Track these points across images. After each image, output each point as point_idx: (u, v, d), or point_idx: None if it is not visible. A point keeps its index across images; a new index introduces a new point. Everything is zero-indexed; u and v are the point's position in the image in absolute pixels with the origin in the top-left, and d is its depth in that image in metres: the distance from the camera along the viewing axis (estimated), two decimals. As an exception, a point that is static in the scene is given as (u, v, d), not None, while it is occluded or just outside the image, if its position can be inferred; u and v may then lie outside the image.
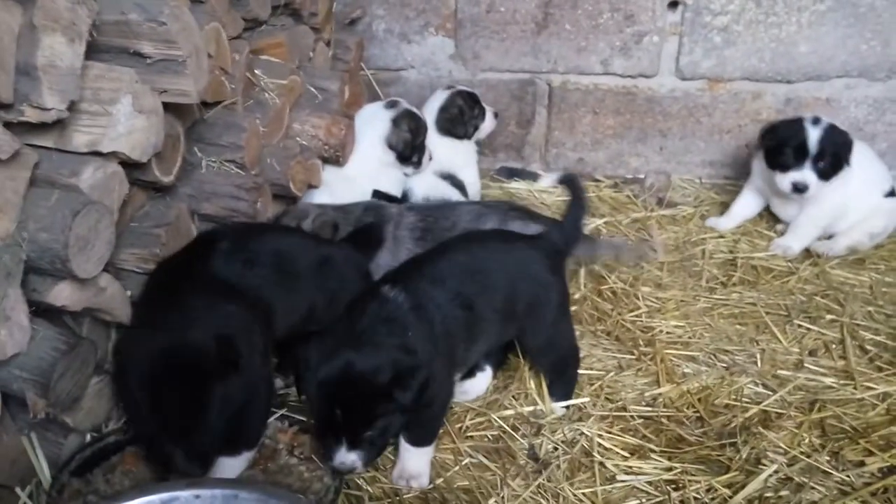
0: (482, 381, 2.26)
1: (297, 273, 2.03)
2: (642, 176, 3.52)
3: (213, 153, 2.30)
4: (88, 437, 1.82)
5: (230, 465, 1.78)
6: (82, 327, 1.82)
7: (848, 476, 1.95)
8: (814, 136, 2.79)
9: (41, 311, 1.67)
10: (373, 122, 2.92)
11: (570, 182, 2.28)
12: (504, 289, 2.00)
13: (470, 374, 2.22)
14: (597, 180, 3.56)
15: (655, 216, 3.25)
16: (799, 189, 2.80)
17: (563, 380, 2.21)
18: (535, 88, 3.50)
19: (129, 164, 1.82)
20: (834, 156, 2.81)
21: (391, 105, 2.99)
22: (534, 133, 3.59)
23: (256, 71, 2.55)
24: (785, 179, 2.83)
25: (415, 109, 3.01)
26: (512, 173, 3.63)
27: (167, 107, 1.91)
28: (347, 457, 1.71)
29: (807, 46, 3.22)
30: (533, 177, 3.61)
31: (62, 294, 1.65)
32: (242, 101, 2.45)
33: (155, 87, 1.83)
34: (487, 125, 3.29)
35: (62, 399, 1.64)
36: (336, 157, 2.80)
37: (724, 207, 3.28)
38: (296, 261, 2.06)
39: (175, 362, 1.61)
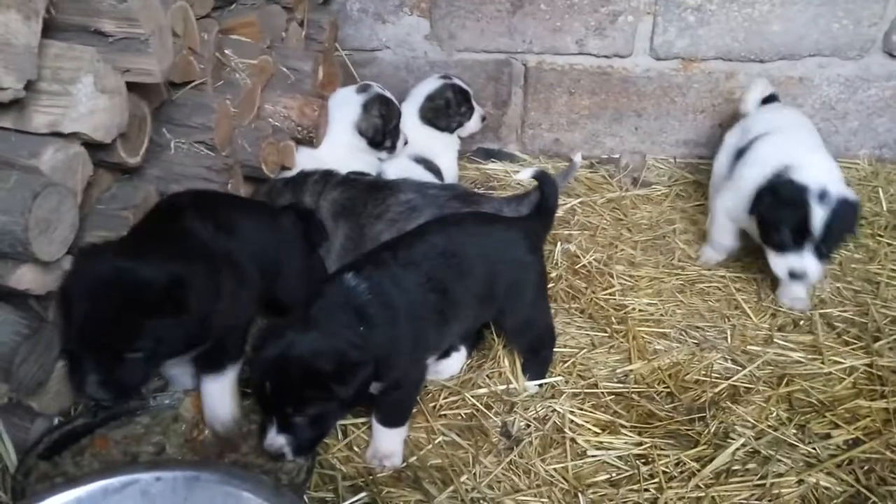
0: (456, 360, 2.27)
1: (257, 239, 2.01)
2: (617, 156, 3.53)
3: (183, 134, 2.26)
4: (56, 421, 1.80)
5: (214, 390, 1.78)
6: (48, 311, 1.79)
7: (814, 448, 1.99)
8: (819, 216, 2.27)
9: (4, 294, 1.65)
10: (343, 107, 2.88)
11: (541, 178, 2.27)
12: (482, 273, 1.99)
13: (445, 353, 2.23)
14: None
15: (630, 196, 3.26)
16: (797, 277, 2.35)
17: (538, 359, 2.23)
18: (510, 69, 3.49)
19: (92, 145, 1.79)
20: (840, 236, 2.37)
21: (363, 89, 2.95)
22: (510, 114, 3.58)
23: (226, 51, 2.51)
24: (780, 262, 2.36)
25: (387, 94, 2.97)
26: (489, 154, 3.63)
27: (132, 87, 1.88)
28: (276, 439, 1.68)
29: (779, 25, 3.23)
30: (510, 158, 3.61)
31: (25, 277, 1.63)
32: (212, 81, 2.40)
33: (117, 67, 1.80)
34: (472, 125, 3.24)
35: (26, 383, 1.62)
36: (310, 139, 2.77)
37: (697, 186, 3.30)
38: (257, 227, 2.05)
39: (120, 284, 1.57)
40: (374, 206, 2.40)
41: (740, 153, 2.66)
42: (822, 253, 2.31)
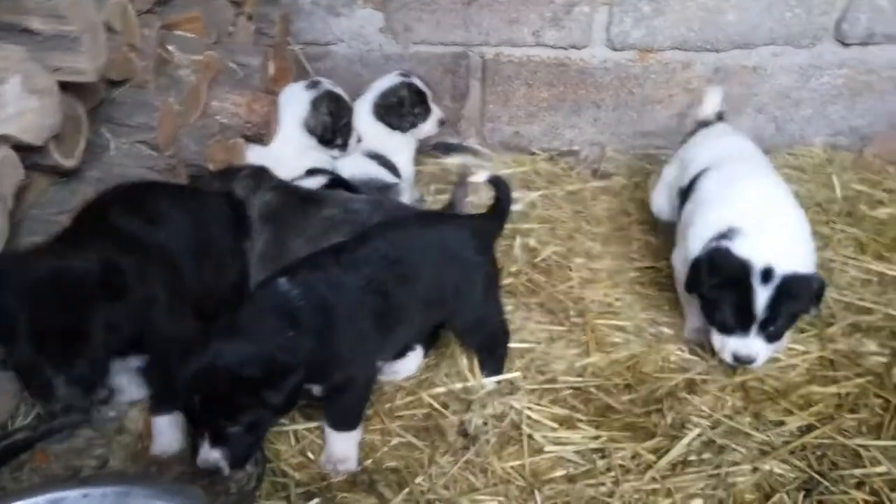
0: (412, 360, 2.24)
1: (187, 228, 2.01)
2: (577, 148, 3.52)
3: (124, 134, 2.20)
4: (-8, 437, 1.74)
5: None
6: (-21, 321, 1.72)
7: (768, 436, 2.01)
8: (762, 297, 1.99)
9: (-71, 306, 1.57)
10: (292, 104, 2.81)
11: (496, 183, 2.23)
12: (428, 276, 1.95)
13: (400, 353, 2.20)
14: (533, 153, 3.54)
15: (590, 187, 3.26)
16: (742, 362, 2.10)
17: (493, 357, 2.21)
18: (468, 62, 3.45)
19: (24, 148, 1.72)
20: (791, 316, 2.07)
21: (312, 85, 2.89)
22: (469, 107, 3.54)
23: (169, 47, 2.45)
24: (724, 345, 2.09)
25: (337, 90, 2.90)
26: (448, 149, 3.59)
27: (66, 86, 1.82)
28: (210, 454, 1.61)
29: (734, 15, 3.24)
30: (472, 152, 3.58)
31: (-50, 287, 1.55)
32: (154, 78, 2.34)
33: (47, 66, 1.73)
34: (428, 128, 3.12)
35: (-47, 398, 1.55)
36: (260, 136, 2.71)
37: (655, 177, 3.31)
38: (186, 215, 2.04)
39: (59, 284, 1.55)
40: (299, 218, 2.31)
41: (683, 194, 2.38)
42: (773, 334, 2.06)
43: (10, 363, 1.62)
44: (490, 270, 2.13)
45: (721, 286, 2.02)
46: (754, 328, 2.03)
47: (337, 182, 2.68)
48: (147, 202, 1.95)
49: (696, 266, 2.07)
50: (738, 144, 2.57)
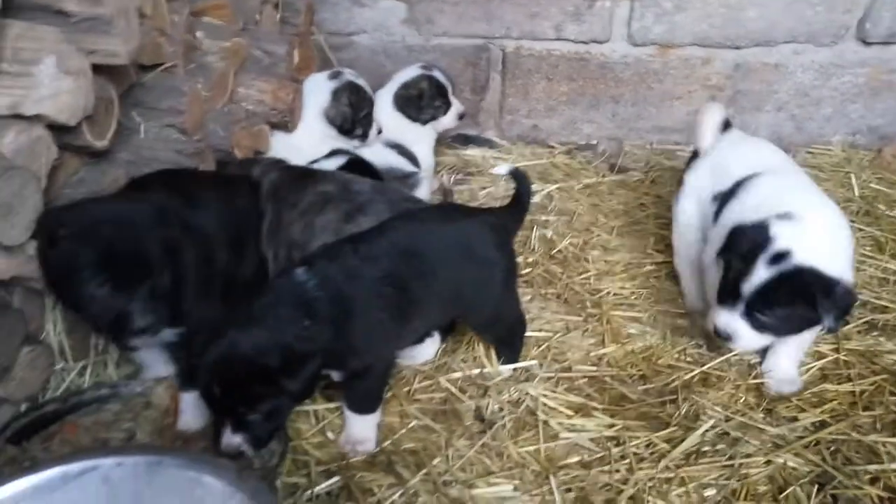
0: (430, 346, 2.26)
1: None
2: (595, 142, 3.53)
3: (153, 118, 2.23)
4: (23, 408, 1.78)
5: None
6: (14, 296, 1.77)
7: (781, 430, 2.01)
8: (759, 276, 1.94)
9: (-34, 279, 1.62)
10: (315, 93, 2.84)
11: (517, 176, 2.22)
12: (444, 272, 1.95)
13: (419, 339, 2.23)
14: (550, 147, 3.56)
15: (607, 181, 3.27)
16: (720, 336, 2.04)
17: (510, 347, 2.23)
18: (489, 54, 3.47)
19: (57, 128, 1.76)
20: (793, 313, 1.98)
21: (334, 76, 2.91)
22: (488, 100, 3.57)
23: (198, 33, 2.48)
24: (712, 314, 2.07)
25: (360, 81, 2.92)
26: (467, 140, 3.61)
27: (99, 69, 1.85)
28: (233, 439, 1.64)
29: (755, 11, 3.25)
30: (489, 144, 3.61)
31: (-13, 262, 1.60)
32: (183, 64, 2.37)
33: (81, 48, 1.76)
34: (447, 121, 3.14)
35: (-10, 369, 1.60)
36: (284, 123, 2.75)
37: (673, 172, 3.31)
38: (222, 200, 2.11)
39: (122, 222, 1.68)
40: (294, 193, 2.29)
41: (723, 198, 2.26)
42: (761, 324, 1.98)
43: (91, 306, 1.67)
44: (508, 266, 2.11)
45: (738, 255, 1.99)
46: (740, 305, 1.97)
47: (356, 163, 2.70)
48: (187, 185, 2.01)
49: (734, 232, 2.04)
50: (778, 155, 2.46)
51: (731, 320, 2.00)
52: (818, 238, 2.00)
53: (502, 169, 2.30)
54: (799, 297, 1.94)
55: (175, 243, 1.74)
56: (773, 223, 1.98)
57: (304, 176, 2.38)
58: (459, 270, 1.98)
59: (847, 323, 2.36)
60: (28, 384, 1.77)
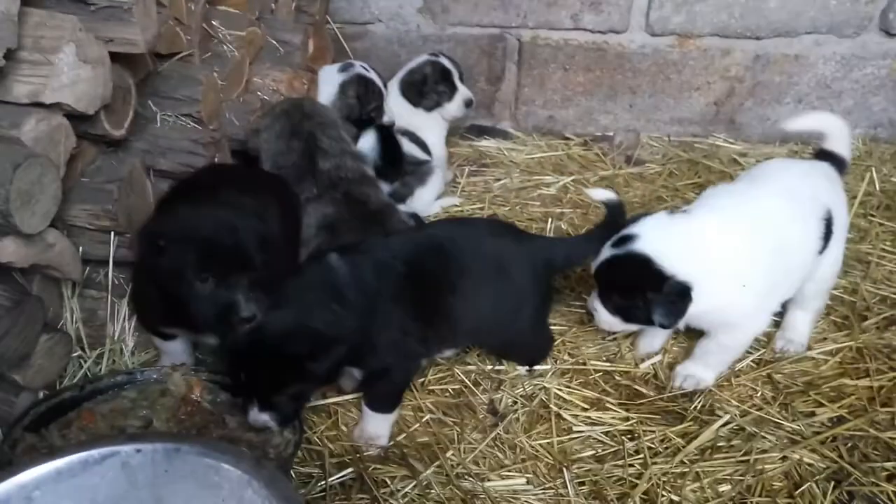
0: None
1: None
2: (611, 133, 3.50)
3: (169, 107, 2.23)
4: (42, 395, 1.80)
5: None
6: (32, 284, 1.78)
7: (798, 426, 2.00)
8: (602, 256, 2.00)
9: (-14, 267, 1.63)
10: (326, 85, 2.85)
11: (612, 207, 2.10)
12: (473, 285, 1.92)
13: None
14: (567, 138, 3.54)
15: (623, 174, 3.25)
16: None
17: (528, 364, 2.20)
18: (504, 44, 3.44)
19: (76, 117, 1.77)
20: (621, 299, 1.99)
21: (344, 69, 2.90)
22: (504, 90, 3.55)
23: (214, 22, 2.47)
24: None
25: (370, 74, 2.90)
26: (482, 132, 3.59)
27: (116, 57, 1.85)
28: (260, 416, 1.69)
29: (776, 2, 3.19)
30: (504, 135, 3.58)
31: (7, 250, 1.61)
32: (199, 53, 2.37)
33: (100, 36, 1.76)
34: (453, 108, 3.08)
35: (9, 356, 1.61)
36: (299, 113, 2.73)
37: (691, 165, 3.29)
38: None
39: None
40: (306, 174, 2.37)
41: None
42: (607, 304, 2.01)
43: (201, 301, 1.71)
44: (542, 297, 2.08)
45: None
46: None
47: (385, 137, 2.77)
48: (251, 184, 2.10)
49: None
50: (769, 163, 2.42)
51: (593, 299, 2.05)
52: (680, 235, 1.95)
53: (600, 194, 2.14)
54: (625, 282, 1.95)
55: (265, 238, 1.78)
56: (655, 214, 2.01)
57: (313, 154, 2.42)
58: (489, 288, 1.95)
59: (866, 318, 2.34)
60: (46, 372, 1.79)
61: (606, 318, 2.03)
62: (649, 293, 1.89)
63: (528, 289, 2.01)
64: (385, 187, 2.66)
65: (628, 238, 1.94)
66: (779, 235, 2.01)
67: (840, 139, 2.30)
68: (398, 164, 2.78)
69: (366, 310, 1.76)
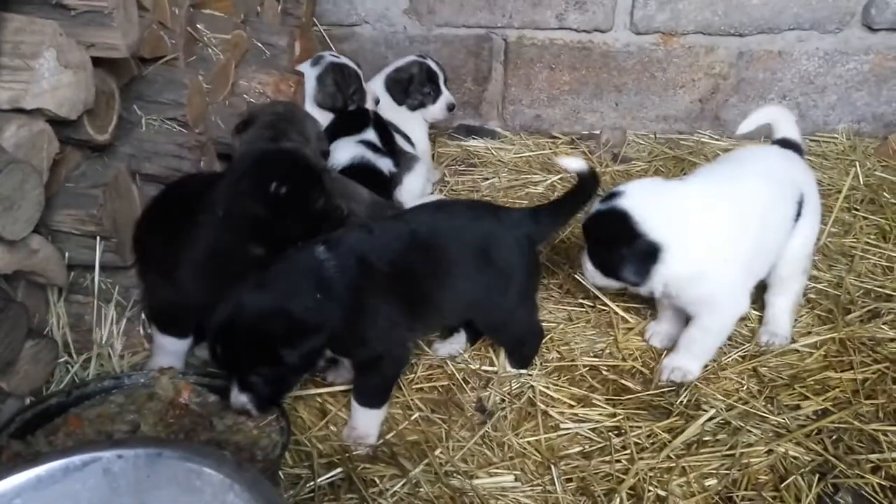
0: (456, 343, 2.26)
1: None
2: (598, 132, 3.52)
3: (154, 111, 2.23)
4: (28, 401, 1.80)
5: None
6: (17, 291, 1.78)
7: (783, 419, 2.02)
8: (591, 209, 2.12)
9: (-31, 274, 1.63)
10: (305, 83, 2.85)
11: (584, 177, 2.09)
12: (459, 270, 1.94)
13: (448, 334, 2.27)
14: (554, 137, 3.56)
15: (610, 171, 3.26)
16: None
17: (521, 353, 2.19)
18: (491, 44, 3.46)
19: (58, 122, 1.76)
20: (599, 252, 2.08)
21: (315, 62, 2.92)
22: (490, 90, 3.56)
23: (199, 25, 2.47)
24: None
25: (343, 60, 2.92)
26: (469, 131, 3.61)
27: (99, 62, 1.85)
28: (239, 397, 1.71)
29: (759, -2, 3.22)
30: (491, 134, 3.60)
31: (-10, 256, 1.61)
32: (184, 56, 2.37)
33: (81, 41, 1.76)
34: (435, 110, 3.14)
35: (-7, 362, 1.61)
36: (286, 115, 2.74)
37: (677, 162, 3.31)
38: None
39: None
40: None
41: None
42: (593, 258, 2.12)
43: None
44: (529, 272, 2.07)
45: None
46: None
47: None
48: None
49: None
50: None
51: (584, 253, 2.14)
52: (662, 198, 2.03)
53: (573, 164, 2.12)
54: (603, 236, 2.04)
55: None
56: (651, 178, 2.19)
57: None
58: (475, 270, 1.96)
59: (850, 311, 2.36)
60: (32, 378, 1.78)
61: (589, 270, 2.12)
62: (623, 248, 1.96)
63: (512, 266, 2.02)
64: (391, 167, 2.75)
65: (616, 194, 2.03)
66: (759, 214, 2.08)
67: (789, 125, 2.36)
68: (392, 145, 2.84)
69: (352, 302, 1.76)
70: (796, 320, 2.37)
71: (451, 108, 3.17)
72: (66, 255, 1.92)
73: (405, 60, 3.15)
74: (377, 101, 2.98)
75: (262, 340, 1.65)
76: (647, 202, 2.00)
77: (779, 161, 2.27)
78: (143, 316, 2.09)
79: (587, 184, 2.10)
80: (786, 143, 2.35)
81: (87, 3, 1.75)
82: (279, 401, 1.79)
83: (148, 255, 2.05)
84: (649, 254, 1.95)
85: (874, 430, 1.96)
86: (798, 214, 2.20)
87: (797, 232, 2.21)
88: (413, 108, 3.12)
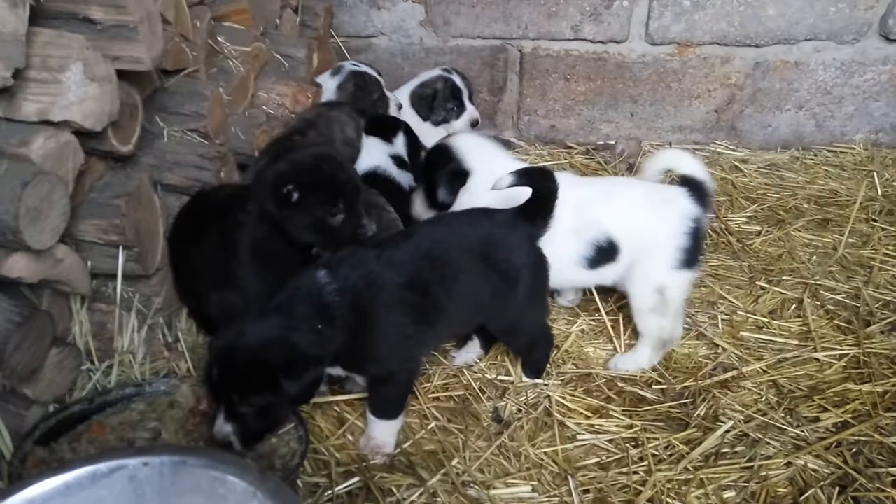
0: (471, 352, 2.27)
1: None
2: (613, 142, 3.53)
3: (175, 122, 2.27)
4: (52, 408, 1.82)
5: None
6: (42, 299, 1.81)
7: (802, 431, 2.00)
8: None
9: (-3, 282, 1.66)
10: (325, 94, 2.89)
11: (525, 177, 2.08)
12: (467, 276, 1.93)
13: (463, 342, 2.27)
14: (569, 147, 3.57)
15: (625, 182, 3.26)
16: None
17: (532, 359, 2.20)
18: (506, 55, 3.48)
19: (83, 134, 1.80)
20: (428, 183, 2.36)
21: (336, 71, 2.95)
22: (506, 100, 3.58)
23: (219, 38, 2.51)
24: None
25: (362, 68, 2.94)
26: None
27: (123, 74, 1.88)
28: (223, 427, 1.66)
29: (775, 9, 3.22)
30: (507, 145, 3.61)
31: (16, 266, 1.64)
32: (205, 68, 2.41)
33: (107, 54, 1.79)
34: (459, 125, 3.16)
35: (19, 371, 1.63)
36: (304, 127, 2.77)
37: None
38: None
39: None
40: None
41: None
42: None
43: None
44: (537, 272, 2.06)
45: None
46: None
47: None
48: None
49: None
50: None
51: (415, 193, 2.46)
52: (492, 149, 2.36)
53: (504, 180, 2.05)
54: (428, 162, 2.40)
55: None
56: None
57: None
58: (482, 276, 1.96)
59: (869, 323, 2.34)
60: (56, 385, 1.81)
61: (417, 203, 2.40)
62: (439, 171, 2.28)
63: (518, 269, 2.01)
64: (412, 182, 2.69)
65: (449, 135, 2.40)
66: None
67: (688, 165, 2.25)
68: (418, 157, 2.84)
69: (358, 326, 1.75)
70: (820, 334, 2.35)
71: (474, 124, 3.18)
72: (90, 263, 1.94)
73: (430, 74, 3.16)
74: (400, 107, 2.99)
75: (262, 368, 1.61)
76: (471, 144, 2.32)
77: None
78: (161, 322, 2.12)
79: (537, 181, 2.05)
80: (686, 182, 2.22)
81: (114, 17, 1.79)
82: (263, 438, 1.74)
83: (191, 270, 2.10)
84: (457, 175, 2.26)
85: (894, 443, 1.94)
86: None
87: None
88: (437, 124, 3.14)
